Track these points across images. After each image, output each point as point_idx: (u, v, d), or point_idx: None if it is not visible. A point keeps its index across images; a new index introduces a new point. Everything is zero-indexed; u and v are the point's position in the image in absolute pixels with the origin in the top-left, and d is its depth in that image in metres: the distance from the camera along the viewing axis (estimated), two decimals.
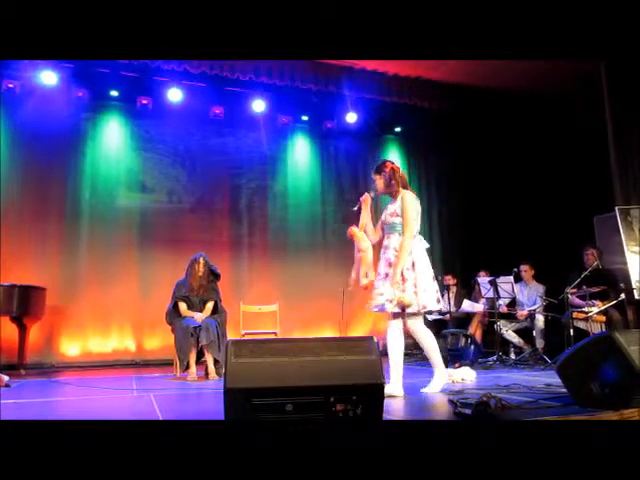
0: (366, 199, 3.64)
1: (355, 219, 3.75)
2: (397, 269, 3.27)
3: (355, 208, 3.71)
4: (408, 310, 3.30)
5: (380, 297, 3.33)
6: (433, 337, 3.44)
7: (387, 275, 3.35)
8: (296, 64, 6.32)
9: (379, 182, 3.56)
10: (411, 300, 3.24)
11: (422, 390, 3.41)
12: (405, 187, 3.51)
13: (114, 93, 6.44)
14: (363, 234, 3.60)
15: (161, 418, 2.71)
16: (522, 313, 6.01)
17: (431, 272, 3.39)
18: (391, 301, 3.26)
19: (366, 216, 3.65)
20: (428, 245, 3.54)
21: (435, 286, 3.39)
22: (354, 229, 3.62)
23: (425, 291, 3.29)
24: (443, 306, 3.41)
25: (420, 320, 3.42)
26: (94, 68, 6.14)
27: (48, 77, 5.98)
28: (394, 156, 7.97)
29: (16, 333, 5.17)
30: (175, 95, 6.44)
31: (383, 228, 3.58)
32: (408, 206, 3.39)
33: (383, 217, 3.57)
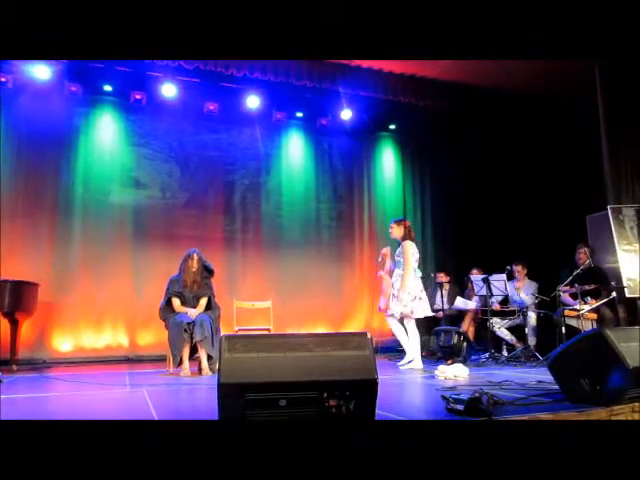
0: (388, 252, 5.40)
1: (380, 265, 5.63)
2: (400, 293, 4.86)
3: (379, 259, 5.57)
4: (405, 317, 4.93)
5: (392, 309, 4.96)
6: (418, 336, 4.93)
7: (394, 295, 5.00)
8: (291, 60, 6.29)
9: (397, 230, 5.06)
10: (407, 311, 4.85)
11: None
12: (411, 238, 5.02)
13: (108, 88, 6.38)
14: (388, 278, 5.32)
15: (154, 414, 2.71)
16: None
17: (420, 294, 4.90)
18: (397, 312, 4.91)
19: (389, 262, 5.37)
20: (420, 274, 5.02)
21: (422, 303, 4.89)
22: (384, 275, 5.50)
23: (415, 306, 4.86)
24: (429, 312, 5.05)
25: (413, 322, 4.92)
26: (88, 63, 6.08)
27: (41, 71, 5.91)
28: (388, 153, 7.99)
29: (8, 329, 5.14)
30: (169, 90, 6.38)
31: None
32: (406, 253, 4.91)
33: (395, 256, 5.13)
